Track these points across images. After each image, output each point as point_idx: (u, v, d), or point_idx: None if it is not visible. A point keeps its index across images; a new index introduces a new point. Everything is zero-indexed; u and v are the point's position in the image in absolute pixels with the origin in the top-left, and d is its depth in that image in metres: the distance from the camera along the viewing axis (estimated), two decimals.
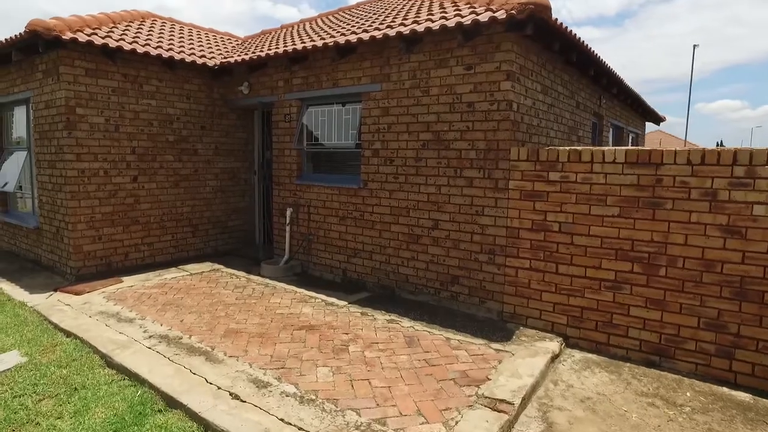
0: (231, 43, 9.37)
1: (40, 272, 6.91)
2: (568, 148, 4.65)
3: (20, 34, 6.07)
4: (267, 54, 6.60)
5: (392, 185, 5.93)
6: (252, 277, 6.66)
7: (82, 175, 6.41)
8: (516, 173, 4.96)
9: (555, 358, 4.31)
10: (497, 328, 4.93)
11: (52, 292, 5.95)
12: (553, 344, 4.50)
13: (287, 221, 6.95)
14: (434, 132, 5.52)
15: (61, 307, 5.39)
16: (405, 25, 5.59)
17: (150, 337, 4.52)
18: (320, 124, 6.76)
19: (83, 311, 5.23)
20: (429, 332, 4.76)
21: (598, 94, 8.20)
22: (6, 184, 7.54)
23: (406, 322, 5.02)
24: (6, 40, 6.39)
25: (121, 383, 3.81)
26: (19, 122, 7.85)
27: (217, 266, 7.22)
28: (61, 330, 4.81)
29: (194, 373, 3.79)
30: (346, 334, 4.69)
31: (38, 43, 5.99)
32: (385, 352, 4.28)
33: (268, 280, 6.49)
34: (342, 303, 5.64)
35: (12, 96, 7.52)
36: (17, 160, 7.67)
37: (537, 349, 4.36)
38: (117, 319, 4.98)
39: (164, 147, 7.26)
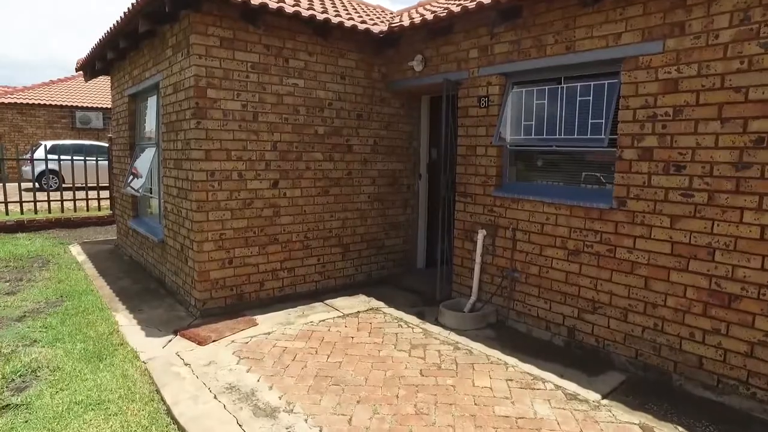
0: (386, 15, 7.53)
1: (162, 298, 5.54)
2: None
3: None
4: (463, 7, 4.51)
5: (677, 207, 3.60)
6: (429, 327, 4.69)
7: (211, 178, 4.87)
8: None
9: None
10: None
11: (171, 336, 4.45)
12: None
13: (478, 249, 4.87)
14: None
15: (179, 369, 3.80)
16: None
17: None
18: (536, 110, 4.58)
19: (206, 381, 3.58)
20: None
21: None
22: (139, 186, 6.32)
23: None
24: (131, 6, 5.05)
25: None
26: (150, 113, 6.66)
27: (374, 303, 5.37)
28: (175, 422, 3.16)
29: None
30: None
31: (164, 2, 4.52)
32: None
33: (455, 336, 4.47)
34: (592, 397, 3.45)
35: (144, 83, 6.31)
36: (147, 158, 6.46)
37: None
38: (253, 409, 3.23)
39: (312, 142, 5.54)
